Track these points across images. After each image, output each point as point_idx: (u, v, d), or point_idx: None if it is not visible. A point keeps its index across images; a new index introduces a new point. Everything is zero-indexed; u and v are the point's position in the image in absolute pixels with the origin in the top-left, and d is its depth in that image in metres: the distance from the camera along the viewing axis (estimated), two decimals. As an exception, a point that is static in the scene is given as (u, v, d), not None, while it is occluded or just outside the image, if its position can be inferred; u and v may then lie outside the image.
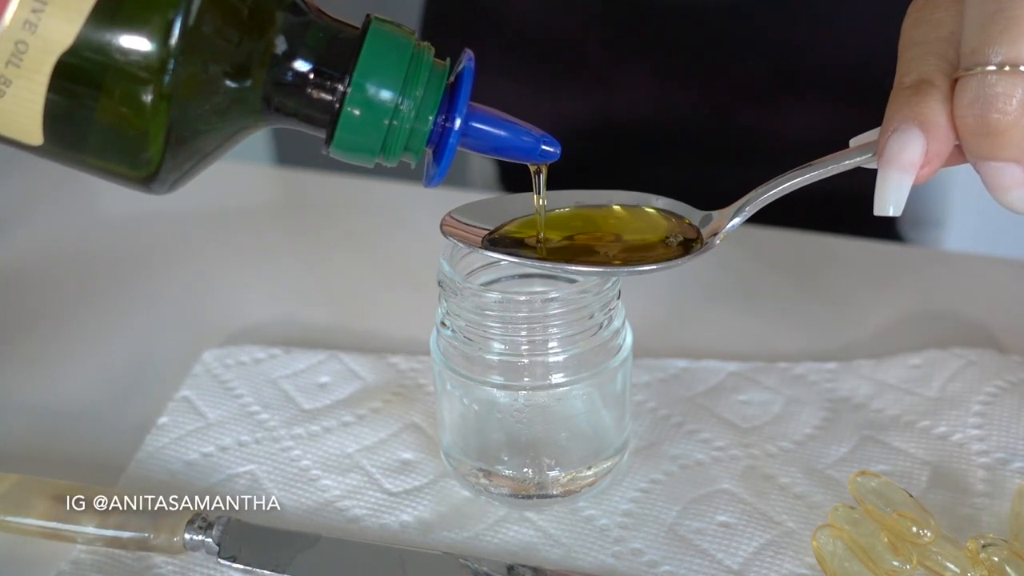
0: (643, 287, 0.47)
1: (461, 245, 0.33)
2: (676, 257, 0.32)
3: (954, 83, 0.28)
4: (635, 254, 0.33)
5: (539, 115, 0.64)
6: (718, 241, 0.32)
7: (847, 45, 0.58)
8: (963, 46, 0.28)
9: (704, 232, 0.33)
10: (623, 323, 0.35)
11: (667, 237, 0.33)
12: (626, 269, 0.32)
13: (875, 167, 0.30)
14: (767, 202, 0.32)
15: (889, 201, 0.29)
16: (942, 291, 0.48)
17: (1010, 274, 0.49)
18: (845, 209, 0.62)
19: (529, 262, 0.32)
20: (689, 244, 0.32)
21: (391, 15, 0.29)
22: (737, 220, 0.32)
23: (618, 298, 0.35)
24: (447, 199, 0.60)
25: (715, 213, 0.33)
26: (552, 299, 0.33)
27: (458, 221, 0.34)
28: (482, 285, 0.36)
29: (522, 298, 0.33)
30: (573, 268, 0.32)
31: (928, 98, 0.28)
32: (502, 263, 0.36)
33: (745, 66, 0.60)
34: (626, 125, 0.63)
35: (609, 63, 0.62)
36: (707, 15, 0.60)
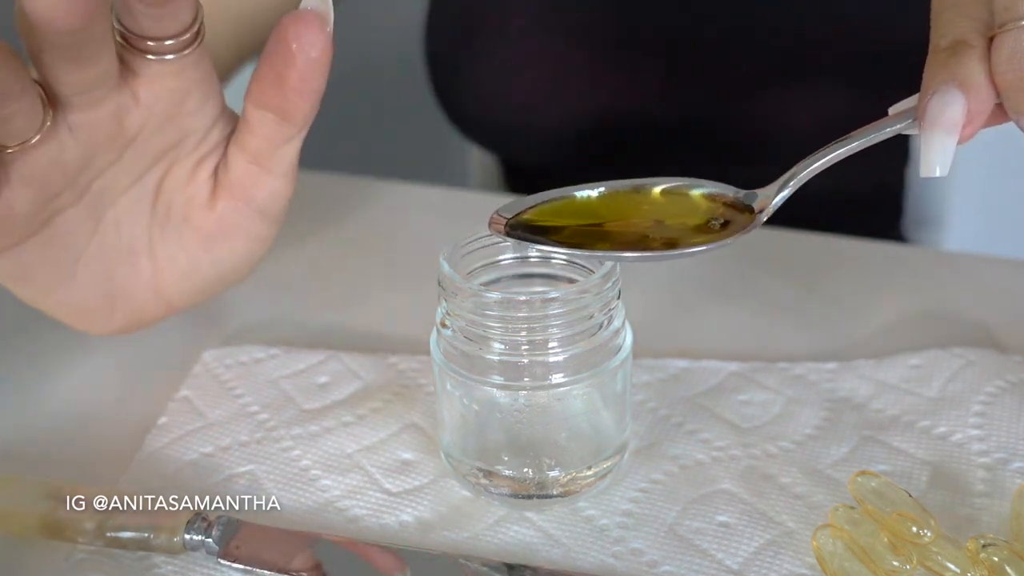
0: (643, 287, 0.47)
1: (507, 240, 0.33)
2: (723, 238, 0.32)
3: (990, 41, 0.28)
4: (678, 239, 0.33)
5: (546, 114, 0.64)
6: (765, 217, 0.32)
7: (857, 34, 0.58)
8: (996, 3, 0.28)
9: (754, 207, 0.33)
10: (623, 323, 0.35)
11: (710, 220, 0.33)
12: (675, 252, 0.32)
13: (915, 132, 0.30)
14: (812, 175, 0.32)
15: (935, 162, 0.29)
16: (942, 291, 0.48)
17: (1010, 274, 0.49)
18: (845, 209, 0.61)
19: (567, 251, 0.33)
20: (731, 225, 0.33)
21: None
22: (784, 193, 0.32)
23: (618, 298, 0.35)
24: (447, 199, 0.60)
25: (759, 191, 0.33)
26: (552, 299, 0.33)
27: (504, 218, 0.34)
28: (482, 285, 0.36)
29: (522, 298, 0.33)
30: (620, 255, 0.32)
31: (965, 58, 0.29)
32: (502, 263, 0.36)
33: (754, 58, 0.60)
34: (635, 122, 0.63)
35: (616, 60, 0.62)
36: (714, 6, 0.60)
